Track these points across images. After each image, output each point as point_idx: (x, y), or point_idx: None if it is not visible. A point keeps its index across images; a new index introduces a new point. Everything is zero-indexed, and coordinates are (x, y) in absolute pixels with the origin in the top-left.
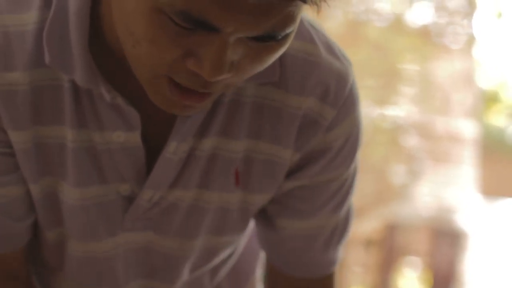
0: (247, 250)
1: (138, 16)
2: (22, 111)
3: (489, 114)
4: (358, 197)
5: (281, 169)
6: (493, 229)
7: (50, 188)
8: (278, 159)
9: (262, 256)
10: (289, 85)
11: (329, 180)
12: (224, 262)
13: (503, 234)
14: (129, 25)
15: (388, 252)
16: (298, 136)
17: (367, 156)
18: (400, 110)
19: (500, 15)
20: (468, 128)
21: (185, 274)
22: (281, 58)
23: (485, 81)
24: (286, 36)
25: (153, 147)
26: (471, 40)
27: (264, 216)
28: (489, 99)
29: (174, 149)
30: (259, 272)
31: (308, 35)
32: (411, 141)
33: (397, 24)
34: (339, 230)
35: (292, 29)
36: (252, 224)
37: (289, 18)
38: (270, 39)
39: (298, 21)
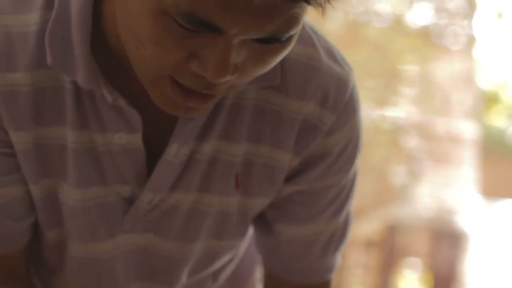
0: (246, 254)
1: (142, 17)
2: (24, 112)
3: (489, 115)
4: (358, 198)
5: (280, 173)
6: (493, 230)
7: (50, 189)
8: (277, 163)
9: (260, 259)
10: (290, 89)
11: (328, 186)
12: (224, 267)
13: (503, 235)
14: (133, 27)
15: (389, 253)
16: (298, 141)
17: (368, 157)
18: (400, 111)
19: (500, 15)
20: (468, 129)
21: (184, 277)
22: (282, 62)
23: (485, 82)
24: (289, 38)
25: (154, 150)
26: (471, 41)
27: (263, 221)
28: (489, 100)
29: (175, 152)
30: (258, 275)
31: (309, 39)
32: (411, 142)
33: (397, 25)
34: (338, 236)
35: (296, 31)
36: (251, 230)
37: (293, 20)
38: (274, 41)
39: (301, 23)
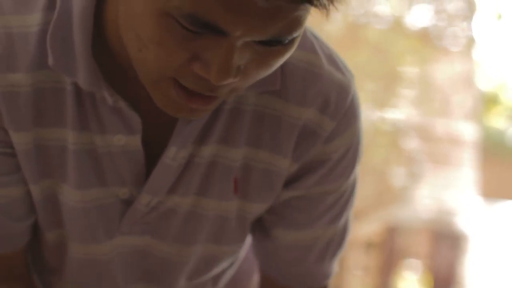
0: (245, 258)
1: (145, 19)
2: (24, 113)
3: (489, 116)
4: (358, 199)
5: (279, 178)
6: (493, 231)
7: (50, 190)
8: (276, 168)
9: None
10: (290, 94)
11: (327, 192)
12: (224, 271)
13: (503, 236)
14: (136, 28)
15: (388, 254)
16: (297, 146)
17: (368, 158)
18: (400, 113)
19: (499, 16)
20: (468, 130)
21: (182, 281)
22: (282, 67)
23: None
24: (292, 41)
25: (153, 152)
26: (470, 42)
27: (260, 226)
28: (489, 101)
29: (173, 155)
30: (256, 278)
31: (310, 45)
32: (411, 143)
33: (396, 26)
34: (336, 242)
35: (299, 33)
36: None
37: (296, 22)
38: (276, 44)
39: (304, 25)
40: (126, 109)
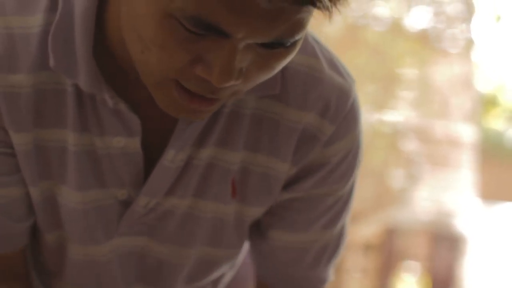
0: (242, 264)
1: (148, 20)
2: (24, 114)
3: (487, 118)
4: (357, 201)
5: (277, 182)
6: (492, 233)
7: (50, 191)
8: (274, 172)
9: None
10: (290, 99)
11: (325, 194)
12: (223, 276)
13: (502, 238)
14: (139, 30)
15: (387, 256)
16: (296, 150)
17: (367, 160)
18: (399, 115)
19: (498, 18)
20: (466, 132)
21: (181, 284)
22: (283, 71)
23: (483, 85)
24: (294, 43)
25: (152, 154)
26: (469, 44)
27: (257, 227)
28: (487, 103)
29: (172, 157)
30: (252, 285)
31: (311, 50)
32: (410, 145)
33: (395, 28)
34: (331, 248)
35: (301, 36)
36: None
37: (299, 25)
38: (279, 46)
39: (306, 28)
40: (126, 111)
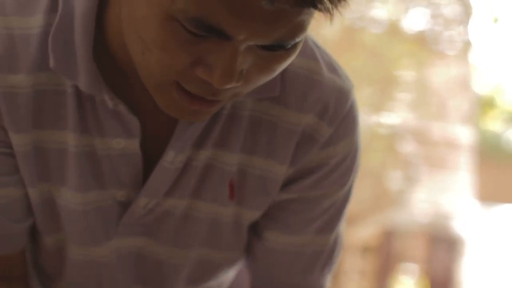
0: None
1: (149, 22)
2: (24, 114)
3: (485, 120)
4: (355, 203)
5: (275, 185)
6: (490, 235)
7: (49, 194)
8: (272, 174)
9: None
10: (289, 101)
11: (321, 197)
12: (225, 282)
13: (500, 240)
14: (140, 31)
15: (385, 258)
16: (295, 152)
17: (364, 162)
18: (397, 116)
19: (496, 20)
20: (464, 134)
21: (181, 286)
22: (282, 74)
23: (481, 87)
24: (295, 45)
25: (151, 156)
26: (467, 46)
27: (253, 227)
28: (485, 105)
29: (171, 159)
30: None
31: (311, 53)
32: (408, 147)
33: (393, 30)
34: (325, 255)
35: (302, 38)
36: None
37: (300, 27)
38: (279, 48)
39: (307, 30)
40: (126, 112)
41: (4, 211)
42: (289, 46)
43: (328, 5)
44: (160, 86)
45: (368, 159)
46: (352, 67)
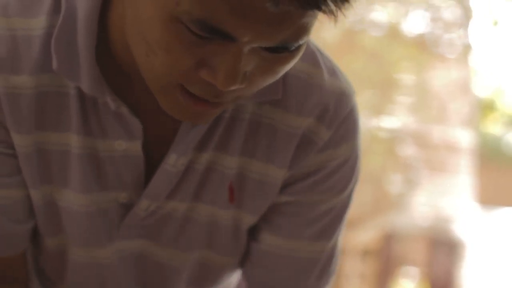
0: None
1: (154, 24)
2: (26, 115)
3: (485, 123)
4: (355, 206)
5: (274, 189)
6: (490, 238)
7: (50, 196)
8: (270, 178)
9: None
10: (289, 105)
11: (317, 201)
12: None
13: (500, 243)
14: (144, 33)
15: (385, 262)
16: (294, 156)
17: (364, 165)
18: (397, 120)
19: (496, 23)
20: (464, 137)
21: None
22: (284, 77)
23: (481, 90)
24: (298, 47)
25: (153, 158)
26: (467, 49)
27: (250, 230)
28: (485, 108)
29: (173, 162)
30: None
31: (313, 57)
32: (408, 150)
33: (393, 33)
34: (322, 263)
35: (305, 40)
36: None
37: (303, 29)
38: (283, 50)
39: (310, 33)
40: (128, 114)
41: (5, 212)
42: (293, 48)
43: (332, 7)
44: (164, 88)
45: (368, 162)
46: (352, 70)
